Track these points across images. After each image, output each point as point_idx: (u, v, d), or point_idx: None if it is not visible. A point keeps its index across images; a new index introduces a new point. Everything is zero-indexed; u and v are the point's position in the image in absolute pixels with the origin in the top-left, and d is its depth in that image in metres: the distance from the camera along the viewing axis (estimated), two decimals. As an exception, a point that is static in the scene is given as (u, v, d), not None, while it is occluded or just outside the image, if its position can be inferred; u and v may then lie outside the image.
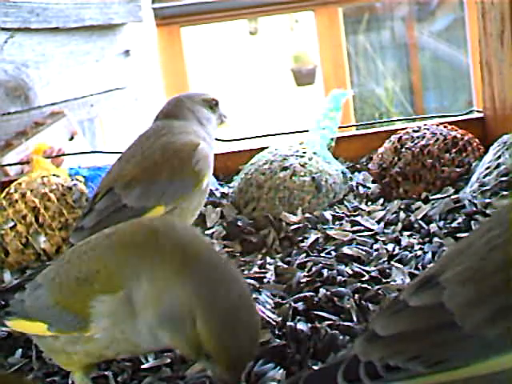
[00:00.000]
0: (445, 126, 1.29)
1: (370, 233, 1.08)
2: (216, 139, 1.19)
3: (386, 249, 1.03)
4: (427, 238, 1.05)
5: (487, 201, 1.08)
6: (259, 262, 1.04)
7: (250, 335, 0.65)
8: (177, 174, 1.05)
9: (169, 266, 0.66)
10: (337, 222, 1.14)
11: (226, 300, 0.64)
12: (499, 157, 1.14)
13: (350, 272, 0.96)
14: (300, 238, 1.09)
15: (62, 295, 0.74)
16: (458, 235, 1.02)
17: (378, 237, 1.07)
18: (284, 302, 0.91)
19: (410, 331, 0.59)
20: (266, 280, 0.98)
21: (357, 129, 1.59)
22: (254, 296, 0.92)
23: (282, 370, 0.79)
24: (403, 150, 1.24)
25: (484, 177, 1.13)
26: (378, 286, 0.91)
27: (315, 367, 0.76)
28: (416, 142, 1.24)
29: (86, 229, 1.02)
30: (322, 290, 0.91)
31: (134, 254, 0.69)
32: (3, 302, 1.00)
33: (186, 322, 0.64)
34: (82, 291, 0.72)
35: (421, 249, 1.01)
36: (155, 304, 0.67)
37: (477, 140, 1.27)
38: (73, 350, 0.75)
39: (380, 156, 1.26)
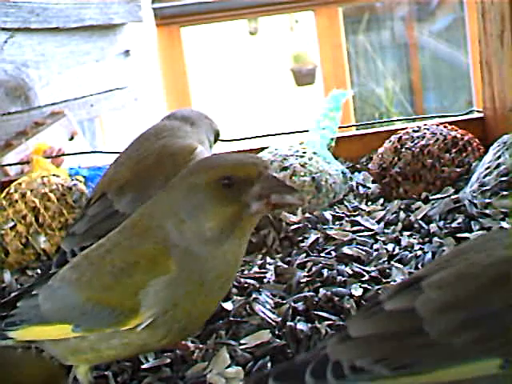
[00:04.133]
0: (445, 126, 1.29)
1: (369, 233, 1.08)
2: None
3: (386, 249, 1.03)
4: (427, 238, 1.05)
5: (487, 201, 1.08)
6: (259, 262, 1.04)
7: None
8: (170, 179, 1.02)
9: (166, 194, 0.76)
10: (337, 222, 1.14)
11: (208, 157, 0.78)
12: (499, 157, 1.14)
13: (350, 272, 0.96)
14: (300, 238, 1.09)
15: (95, 292, 0.74)
16: (458, 235, 1.02)
17: (378, 237, 1.07)
18: (284, 301, 0.91)
19: (379, 334, 0.60)
20: (265, 280, 0.98)
21: (357, 129, 1.59)
22: (254, 296, 0.92)
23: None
24: (403, 150, 1.23)
25: (484, 177, 1.13)
26: (378, 286, 0.91)
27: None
28: (416, 142, 1.24)
29: (78, 235, 1.01)
30: (322, 290, 0.91)
31: (153, 219, 0.74)
32: None
33: (198, 194, 0.72)
34: (121, 284, 0.72)
35: (421, 249, 1.01)
36: (182, 219, 0.72)
37: (477, 140, 1.27)
38: (107, 346, 0.74)
39: (380, 156, 1.26)
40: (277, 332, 0.85)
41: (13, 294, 1.00)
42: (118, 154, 1.11)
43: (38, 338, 0.79)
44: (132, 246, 0.74)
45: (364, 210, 1.17)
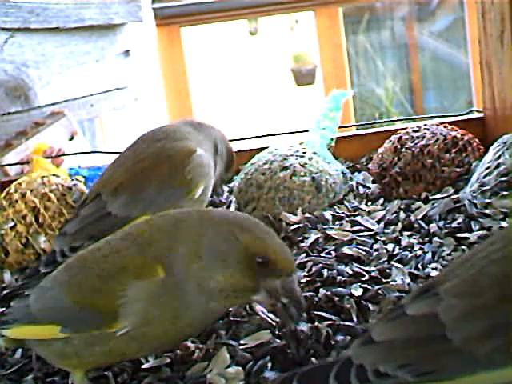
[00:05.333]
0: (445, 126, 1.29)
1: (370, 233, 1.08)
2: None
3: (386, 249, 1.03)
4: (427, 238, 1.05)
5: (487, 201, 1.08)
6: (259, 262, 1.04)
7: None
8: (166, 182, 1.00)
9: (199, 224, 0.72)
10: (337, 222, 1.14)
11: (255, 221, 0.74)
12: (499, 157, 1.14)
13: (350, 272, 0.96)
14: (300, 238, 1.09)
15: (82, 295, 0.75)
16: (458, 235, 1.02)
17: (378, 237, 1.07)
18: (284, 302, 0.91)
19: (402, 339, 0.60)
20: (266, 280, 0.98)
21: (357, 129, 1.59)
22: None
23: (281, 371, 0.79)
24: (403, 150, 1.23)
25: (484, 177, 1.13)
26: (378, 286, 0.91)
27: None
28: (416, 142, 1.24)
29: (69, 235, 1.00)
30: (322, 290, 0.91)
31: (164, 237, 0.73)
32: None
33: (231, 246, 0.70)
34: (107, 287, 0.72)
35: (421, 249, 1.01)
36: (200, 255, 0.71)
37: (477, 140, 1.27)
38: (89, 352, 0.75)
39: (380, 156, 1.26)
40: (277, 332, 0.85)
41: (4, 292, 1.00)
42: (118, 155, 1.10)
43: (27, 337, 0.80)
44: (130, 255, 0.74)
45: (364, 210, 1.17)
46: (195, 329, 0.77)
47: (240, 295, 0.72)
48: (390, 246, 1.03)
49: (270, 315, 0.88)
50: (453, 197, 1.13)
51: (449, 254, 0.98)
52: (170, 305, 0.72)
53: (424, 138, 1.24)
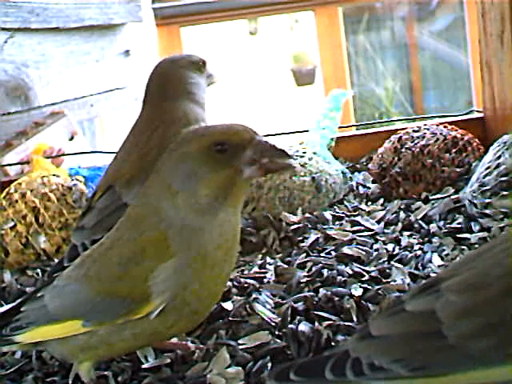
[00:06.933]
0: (445, 126, 1.29)
1: (369, 233, 1.08)
2: None
3: (386, 249, 1.03)
4: (427, 238, 1.05)
5: (487, 201, 1.08)
6: (259, 262, 1.04)
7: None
8: None
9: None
10: (337, 222, 1.14)
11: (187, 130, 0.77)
12: (499, 157, 1.14)
13: (350, 272, 0.96)
14: (300, 238, 1.09)
15: (105, 284, 0.74)
16: (457, 235, 1.02)
17: (377, 237, 1.07)
18: (284, 302, 0.91)
19: (398, 334, 0.60)
20: (266, 280, 0.98)
21: (357, 129, 1.59)
22: (254, 296, 0.92)
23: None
24: (403, 150, 1.23)
25: (484, 177, 1.13)
26: (378, 286, 0.91)
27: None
28: (416, 141, 1.24)
29: (87, 228, 1.01)
30: (322, 290, 0.91)
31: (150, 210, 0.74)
32: None
33: (187, 162, 0.72)
34: (132, 271, 0.72)
35: (421, 249, 1.01)
36: (175, 191, 0.72)
37: (477, 140, 1.27)
38: (118, 339, 0.74)
39: (380, 156, 1.26)
40: (277, 332, 0.85)
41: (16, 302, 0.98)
42: (118, 149, 1.11)
43: (45, 339, 0.78)
44: (134, 237, 0.74)
45: (364, 210, 1.17)
46: (231, 252, 0.77)
47: (231, 186, 0.73)
48: (390, 246, 1.03)
49: (270, 315, 0.88)
50: (453, 197, 1.13)
51: (448, 254, 0.98)
52: (192, 265, 0.72)
53: (424, 137, 1.24)
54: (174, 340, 0.86)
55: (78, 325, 0.75)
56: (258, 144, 0.73)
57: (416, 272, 0.95)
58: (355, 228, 1.10)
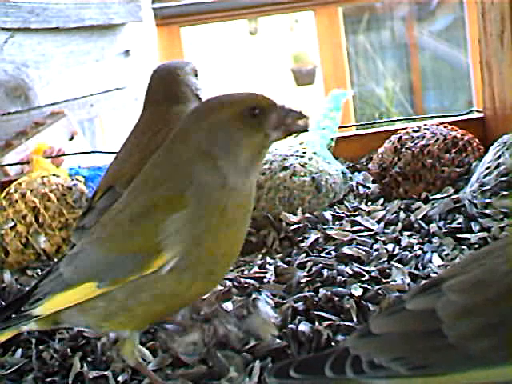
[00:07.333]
0: (445, 126, 1.29)
1: (370, 233, 1.08)
2: None
3: (386, 249, 1.03)
4: (427, 238, 1.05)
5: (487, 201, 1.08)
6: (259, 262, 1.04)
7: None
8: None
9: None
10: (337, 222, 1.14)
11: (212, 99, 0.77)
12: (499, 157, 1.14)
13: (350, 272, 0.96)
14: (300, 238, 1.09)
15: (117, 241, 0.75)
16: (457, 235, 1.02)
17: (377, 237, 1.07)
18: (284, 301, 0.91)
19: (398, 332, 0.60)
20: (265, 280, 0.98)
21: (357, 129, 1.59)
22: (254, 296, 0.92)
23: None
24: (403, 150, 1.23)
25: (484, 177, 1.13)
26: (378, 286, 0.91)
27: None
28: (416, 141, 1.24)
29: (87, 228, 1.01)
30: (322, 290, 0.91)
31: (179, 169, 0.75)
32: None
33: (224, 128, 0.74)
34: (140, 227, 0.73)
35: (421, 249, 1.01)
36: (214, 158, 0.73)
37: (477, 140, 1.27)
38: (137, 302, 0.74)
39: (380, 156, 1.26)
40: (277, 333, 0.85)
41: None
42: (119, 149, 1.10)
43: (62, 307, 0.77)
44: (148, 196, 0.75)
45: (364, 210, 1.17)
46: (249, 213, 0.77)
47: (262, 149, 0.76)
48: (390, 246, 1.03)
49: (271, 315, 0.88)
50: (453, 197, 1.13)
51: (448, 254, 0.98)
52: (207, 219, 0.72)
53: (424, 137, 1.24)
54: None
55: (92, 287, 0.74)
56: (281, 108, 0.76)
57: (416, 272, 0.95)
58: (355, 228, 1.10)
